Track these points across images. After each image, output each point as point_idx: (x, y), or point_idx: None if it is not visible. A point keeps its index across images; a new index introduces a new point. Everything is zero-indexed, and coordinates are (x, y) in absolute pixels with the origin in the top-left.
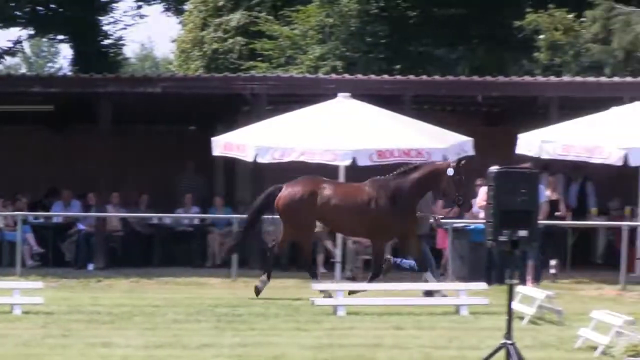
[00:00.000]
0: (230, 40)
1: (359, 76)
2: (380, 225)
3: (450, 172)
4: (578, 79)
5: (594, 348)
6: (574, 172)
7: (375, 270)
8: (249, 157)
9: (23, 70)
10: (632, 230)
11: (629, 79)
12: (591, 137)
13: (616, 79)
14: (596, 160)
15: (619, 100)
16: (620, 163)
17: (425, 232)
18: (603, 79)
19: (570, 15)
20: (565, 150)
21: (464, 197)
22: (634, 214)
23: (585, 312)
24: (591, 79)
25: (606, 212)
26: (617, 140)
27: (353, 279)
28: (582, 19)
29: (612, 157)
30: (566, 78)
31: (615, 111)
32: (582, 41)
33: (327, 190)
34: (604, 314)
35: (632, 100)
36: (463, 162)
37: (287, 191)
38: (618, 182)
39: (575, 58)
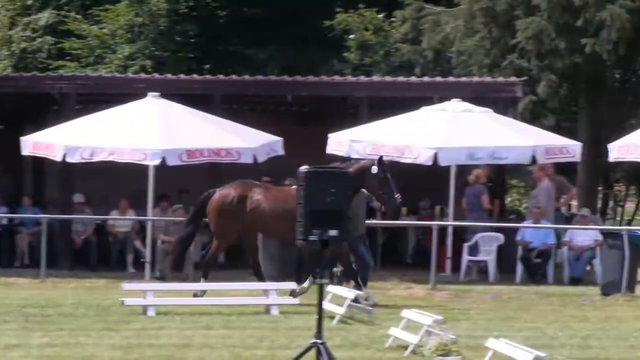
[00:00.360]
0: (39, 40)
1: (169, 76)
2: None
3: (374, 169)
4: (388, 78)
5: (405, 347)
6: None
7: (347, 271)
8: (57, 157)
9: None
10: (442, 229)
11: (438, 78)
12: (401, 137)
13: (426, 78)
14: (406, 159)
15: (429, 100)
16: (429, 163)
17: (361, 233)
18: (413, 78)
19: (380, 15)
20: (374, 150)
21: (388, 195)
22: (444, 213)
23: (396, 311)
24: (401, 78)
25: (416, 211)
26: (426, 140)
27: (162, 278)
28: (392, 19)
29: (421, 156)
30: (376, 78)
31: (425, 111)
32: (392, 41)
33: (257, 194)
34: (414, 313)
35: (441, 100)
36: (387, 159)
37: (218, 195)
38: (428, 182)
39: (385, 58)
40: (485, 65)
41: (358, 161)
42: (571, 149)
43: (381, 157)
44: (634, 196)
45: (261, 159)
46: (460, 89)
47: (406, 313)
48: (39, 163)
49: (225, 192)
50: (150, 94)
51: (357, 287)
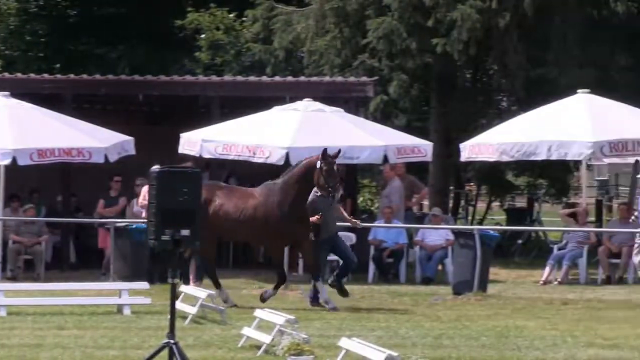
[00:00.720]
0: None
1: (19, 75)
2: (270, 231)
3: (318, 164)
4: (239, 78)
5: (258, 347)
6: (218, 170)
7: (312, 269)
8: None
9: None
10: None
11: (290, 78)
12: (253, 137)
13: (277, 78)
14: (258, 159)
15: (280, 100)
16: (281, 162)
17: (332, 233)
18: (264, 78)
19: (231, 15)
20: (226, 150)
21: (334, 188)
22: None
23: (248, 311)
24: (253, 78)
25: None
26: (278, 140)
27: (14, 279)
28: (243, 19)
29: (273, 156)
30: (227, 77)
31: (276, 110)
32: (244, 41)
33: (219, 198)
34: (266, 312)
35: (293, 99)
36: (333, 153)
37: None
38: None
39: (237, 57)
40: (337, 65)
41: (300, 161)
42: (422, 148)
43: (325, 149)
44: (485, 196)
45: (112, 158)
46: (312, 89)
47: (259, 313)
48: None
49: None
50: (0, 93)
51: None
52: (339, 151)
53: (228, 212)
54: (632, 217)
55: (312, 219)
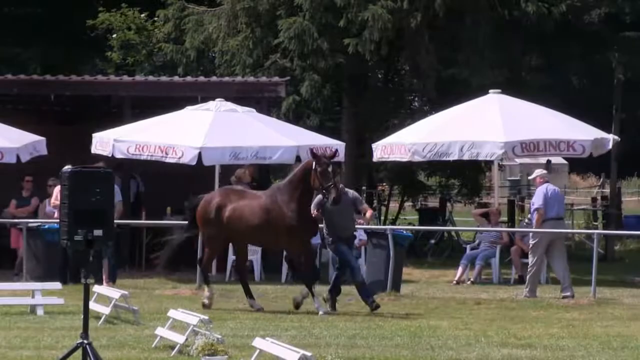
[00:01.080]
0: None
1: None
2: (282, 232)
3: (313, 165)
4: (151, 78)
5: (171, 347)
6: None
7: (306, 273)
8: None
9: None
10: None
11: (202, 78)
12: (165, 137)
13: (189, 78)
14: (170, 159)
15: (192, 100)
16: (194, 162)
17: (350, 233)
18: (176, 78)
19: (143, 15)
20: (138, 150)
21: (327, 189)
22: None
23: (162, 311)
24: (164, 78)
25: (181, 211)
26: (190, 140)
27: None
28: (155, 19)
29: (186, 156)
30: (139, 77)
31: (189, 110)
32: (155, 41)
33: (232, 202)
34: (180, 313)
35: (205, 99)
36: (328, 152)
37: (202, 203)
38: (193, 182)
39: (148, 57)
40: (249, 65)
41: (297, 164)
42: (335, 148)
43: (310, 149)
44: (397, 196)
45: (24, 158)
46: (224, 89)
47: (172, 313)
48: None
49: (208, 200)
50: None
51: (310, 293)
52: (336, 151)
53: (242, 215)
54: (526, 220)
55: (313, 214)
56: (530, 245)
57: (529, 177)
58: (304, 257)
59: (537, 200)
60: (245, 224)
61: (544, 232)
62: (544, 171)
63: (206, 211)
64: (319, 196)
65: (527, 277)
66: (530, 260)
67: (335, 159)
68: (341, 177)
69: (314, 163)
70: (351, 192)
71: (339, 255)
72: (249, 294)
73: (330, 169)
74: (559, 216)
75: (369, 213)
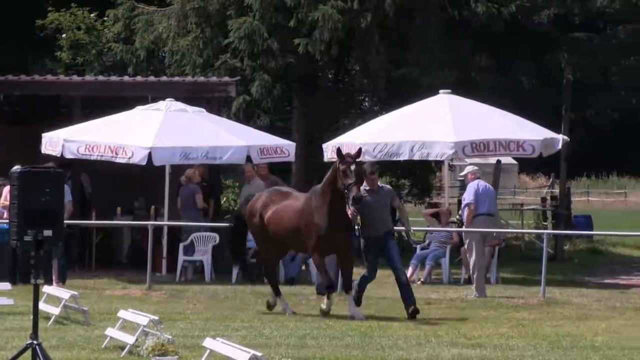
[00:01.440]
0: None
1: None
2: (309, 237)
3: (337, 165)
4: (101, 78)
5: (122, 347)
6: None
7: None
8: None
9: None
10: (158, 229)
11: (152, 78)
12: (115, 137)
13: (139, 78)
14: (120, 159)
15: (143, 100)
16: (144, 162)
17: (380, 234)
18: (126, 78)
19: (93, 15)
20: (88, 150)
21: (348, 189)
22: (159, 213)
23: (112, 311)
24: (114, 78)
25: (131, 211)
26: (141, 140)
27: None
28: (105, 19)
29: (136, 156)
30: (89, 77)
31: (139, 110)
32: (105, 40)
33: (275, 204)
34: (130, 313)
35: (155, 99)
36: (351, 152)
37: (248, 205)
38: (143, 182)
39: (98, 57)
40: (199, 65)
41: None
42: (285, 148)
43: (338, 149)
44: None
45: None
46: (174, 89)
47: (122, 313)
48: None
49: (253, 202)
50: None
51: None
52: (360, 150)
53: (279, 218)
54: (457, 217)
55: (348, 212)
56: (466, 246)
57: (460, 174)
58: (340, 264)
59: (467, 196)
60: (281, 228)
61: (479, 230)
62: (475, 167)
63: (251, 212)
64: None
65: (473, 277)
66: (470, 261)
67: (360, 158)
68: (292, 177)
69: (337, 162)
70: (387, 188)
71: (365, 257)
72: (277, 293)
73: (353, 167)
74: (490, 212)
75: (401, 209)
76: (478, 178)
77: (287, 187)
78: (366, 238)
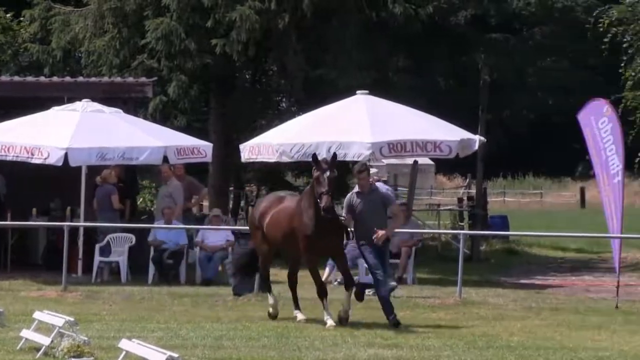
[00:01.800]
0: None
1: None
2: (298, 241)
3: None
4: (17, 78)
5: (37, 349)
6: None
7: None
8: None
9: None
10: (74, 230)
11: (68, 78)
12: (31, 137)
13: (55, 78)
14: (36, 160)
15: (59, 100)
16: (60, 163)
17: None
18: (42, 78)
19: (9, 15)
20: (4, 151)
21: (319, 196)
22: (75, 214)
23: (27, 313)
24: (30, 78)
25: (47, 212)
26: (57, 140)
27: None
28: (21, 19)
29: (52, 157)
30: (4, 78)
31: (55, 111)
32: (21, 40)
33: (274, 209)
34: (45, 314)
35: (71, 100)
36: (328, 157)
37: (252, 210)
38: (59, 183)
39: (14, 57)
40: (115, 65)
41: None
42: (202, 149)
43: (313, 155)
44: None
45: None
46: (90, 89)
47: (38, 315)
48: None
49: (256, 207)
50: None
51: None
52: (334, 155)
53: (275, 222)
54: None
55: (343, 218)
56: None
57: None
58: (339, 266)
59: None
60: (276, 231)
61: (415, 231)
62: (375, 169)
63: (252, 217)
64: (349, 195)
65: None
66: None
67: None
68: (209, 178)
69: (313, 168)
70: (383, 189)
71: (365, 261)
72: (296, 303)
73: (326, 175)
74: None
75: (397, 216)
76: (378, 180)
77: (284, 192)
78: (361, 244)
